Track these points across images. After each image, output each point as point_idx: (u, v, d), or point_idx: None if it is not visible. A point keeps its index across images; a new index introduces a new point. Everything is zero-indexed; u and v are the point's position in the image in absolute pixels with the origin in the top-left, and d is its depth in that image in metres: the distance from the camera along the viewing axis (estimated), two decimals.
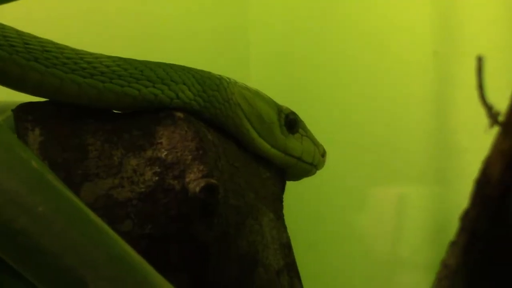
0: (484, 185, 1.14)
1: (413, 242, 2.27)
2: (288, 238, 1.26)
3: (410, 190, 2.29)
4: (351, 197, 2.36)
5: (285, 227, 1.28)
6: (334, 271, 2.20)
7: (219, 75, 1.25)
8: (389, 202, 2.32)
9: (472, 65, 1.21)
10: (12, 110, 1.15)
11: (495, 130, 1.18)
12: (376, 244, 2.34)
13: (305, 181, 1.40)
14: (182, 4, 2.45)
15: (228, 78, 1.26)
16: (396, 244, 2.29)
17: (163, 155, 1.14)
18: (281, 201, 1.30)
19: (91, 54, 1.15)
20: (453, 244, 1.17)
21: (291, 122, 1.30)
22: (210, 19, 2.52)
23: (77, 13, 2.09)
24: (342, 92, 2.40)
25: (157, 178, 1.13)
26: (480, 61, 1.17)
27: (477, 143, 1.32)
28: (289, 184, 1.38)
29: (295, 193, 1.40)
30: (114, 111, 1.20)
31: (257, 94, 1.29)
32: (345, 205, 2.38)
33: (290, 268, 1.27)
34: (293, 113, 1.30)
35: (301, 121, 1.32)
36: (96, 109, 1.17)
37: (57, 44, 1.13)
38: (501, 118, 1.16)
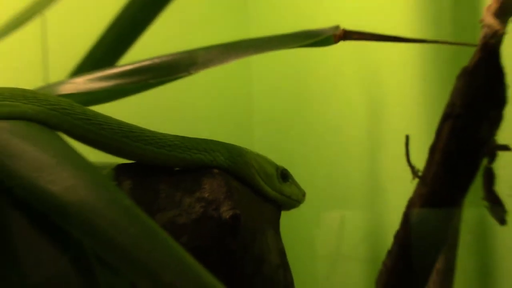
0: (408, 216, 1.35)
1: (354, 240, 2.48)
2: (282, 246, 1.48)
3: (349, 213, 2.48)
4: (313, 219, 2.59)
5: (281, 239, 1.48)
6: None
7: (239, 146, 1.47)
8: (333, 223, 2.51)
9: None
10: (112, 169, 1.38)
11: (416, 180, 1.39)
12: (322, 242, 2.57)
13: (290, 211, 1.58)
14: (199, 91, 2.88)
15: (246, 148, 1.48)
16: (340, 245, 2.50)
17: (206, 195, 1.36)
18: (278, 222, 1.51)
19: (160, 133, 1.40)
20: (389, 252, 1.40)
21: (284, 175, 1.53)
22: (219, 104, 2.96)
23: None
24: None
25: (202, 210, 1.35)
26: (407, 138, 1.53)
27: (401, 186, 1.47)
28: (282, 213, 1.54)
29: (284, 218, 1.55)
30: (176, 168, 1.43)
31: (264, 158, 1.50)
32: (308, 224, 2.61)
33: (285, 266, 1.46)
34: (285, 170, 1.53)
35: (290, 174, 1.54)
36: (165, 168, 1.41)
37: (139, 126, 1.39)
38: (420, 173, 1.38)
